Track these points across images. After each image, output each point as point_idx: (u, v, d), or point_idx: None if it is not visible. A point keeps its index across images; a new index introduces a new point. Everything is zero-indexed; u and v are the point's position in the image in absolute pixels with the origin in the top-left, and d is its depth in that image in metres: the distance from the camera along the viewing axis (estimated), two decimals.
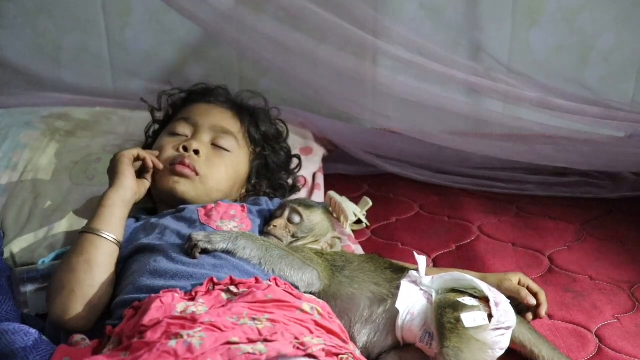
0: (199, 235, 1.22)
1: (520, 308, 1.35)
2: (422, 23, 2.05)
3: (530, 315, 1.36)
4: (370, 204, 1.76)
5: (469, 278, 1.24)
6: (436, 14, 2.06)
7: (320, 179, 1.86)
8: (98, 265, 1.24)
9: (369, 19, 1.90)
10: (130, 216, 1.44)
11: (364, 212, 1.77)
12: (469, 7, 2.05)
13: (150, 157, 1.44)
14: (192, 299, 1.10)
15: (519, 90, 1.92)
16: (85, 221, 1.35)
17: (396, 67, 1.98)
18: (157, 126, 1.66)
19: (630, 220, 1.83)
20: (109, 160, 1.45)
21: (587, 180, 2.01)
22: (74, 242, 1.30)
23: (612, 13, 2.06)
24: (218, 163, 1.48)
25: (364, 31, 1.87)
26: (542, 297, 1.36)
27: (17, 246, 1.49)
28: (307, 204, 1.45)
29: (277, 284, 1.17)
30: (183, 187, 1.43)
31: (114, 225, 1.30)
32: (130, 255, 1.30)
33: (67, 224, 1.53)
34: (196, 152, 1.46)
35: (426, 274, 1.27)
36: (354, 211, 1.73)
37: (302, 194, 1.74)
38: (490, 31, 2.06)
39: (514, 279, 1.37)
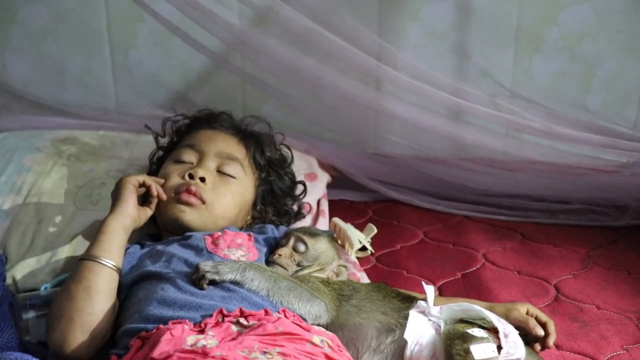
0: (206, 266, 1.21)
1: (528, 338, 1.33)
2: (425, 50, 2.06)
3: (538, 346, 1.34)
4: (375, 230, 1.75)
5: (478, 309, 1.23)
6: (439, 41, 2.07)
7: (324, 205, 1.85)
8: (98, 293, 1.23)
9: (373, 46, 1.91)
10: (134, 242, 1.43)
11: (369, 239, 1.76)
12: (472, 34, 2.06)
13: (155, 185, 1.43)
14: (202, 331, 1.08)
15: (522, 118, 1.92)
16: None
17: (400, 94, 1.99)
18: (161, 152, 1.65)
19: (636, 248, 1.83)
20: (113, 184, 1.44)
21: (591, 207, 2.00)
22: (73, 269, 1.28)
23: (614, 41, 2.07)
24: (224, 190, 1.48)
25: (368, 57, 1.88)
26: (551, 327, 1.34)
27: (19, 271, 1.48)
28: (312, 232, 1.44)
29: (286, 316, 1.16)
30: (189, 216, 1.42)
31: (113, 252, 1.29)
32: (136, 282, 1.28)
33: (70, 249, 1.51)
34: (202, 179, 1.45)
35: (434, 304, 1.26)
36: (358, 238, 1.73)
37: (306, 220, 1.73)
38: (493, 59, 2.07)
39: (522, 309, 1.36)
